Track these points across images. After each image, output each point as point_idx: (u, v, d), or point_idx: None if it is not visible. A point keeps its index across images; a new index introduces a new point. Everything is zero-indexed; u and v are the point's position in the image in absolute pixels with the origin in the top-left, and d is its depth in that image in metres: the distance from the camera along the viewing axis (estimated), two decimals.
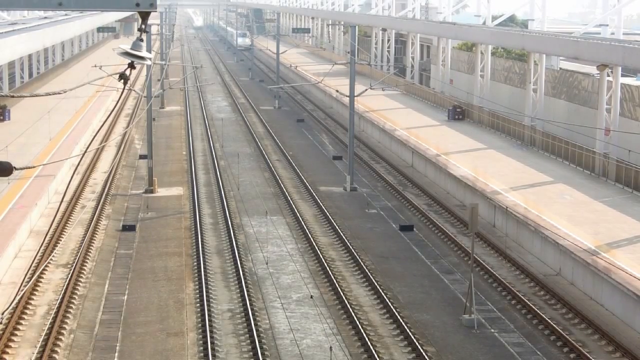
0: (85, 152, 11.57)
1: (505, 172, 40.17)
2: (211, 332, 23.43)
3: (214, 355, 22.04)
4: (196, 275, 28.31)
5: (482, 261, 29.66)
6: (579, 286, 27.63)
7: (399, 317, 24.63)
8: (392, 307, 25.39)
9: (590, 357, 22.22)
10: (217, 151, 50.43)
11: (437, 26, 68.19)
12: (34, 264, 28.22)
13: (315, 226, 34.66)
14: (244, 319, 24.54)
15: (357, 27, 51.93)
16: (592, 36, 51.84)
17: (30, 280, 25.58)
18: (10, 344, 22.49)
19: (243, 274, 27.99)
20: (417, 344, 22.73)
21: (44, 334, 22.94)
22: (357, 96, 42.15)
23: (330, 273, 28.25)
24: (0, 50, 43.06)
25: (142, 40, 8.34)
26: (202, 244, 31.29)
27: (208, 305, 25.25)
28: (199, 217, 35.14)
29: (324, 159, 49.47)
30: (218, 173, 43.73)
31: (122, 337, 23.45)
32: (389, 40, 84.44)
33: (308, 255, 30.81)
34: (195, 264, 29.50)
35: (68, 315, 24.62)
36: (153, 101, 45.40)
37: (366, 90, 44.74)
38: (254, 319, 24.17)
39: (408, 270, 29.68)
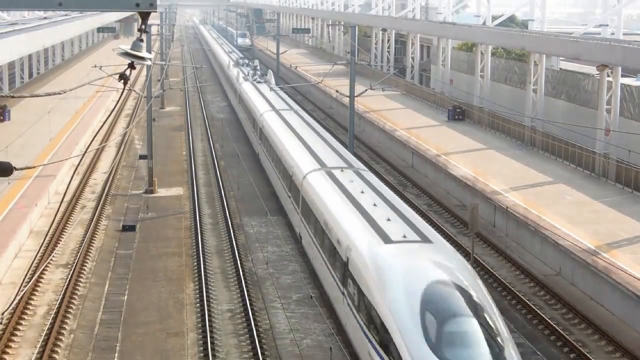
0: (86, 152, 11.56)
1: (505, 173, 40.17)
2: (211, 332, 23.43)
3: (214, 356, 22.04)
4: (196, 275, 28.32)
5: (482, 261, 29.66)
6: (579, 286, 27.63)
7: None
8: None
9: (590, 357, 22.22)
10: (217, 151, 50.43)
11: (437, 26, 68.20)
12: (34, 264, 28.22)
13: None
14: (244, 319, 24.54)
15: (357, 27, 51.93)
16: (592, 36, 51.84)
17: (30, 281, 25.60)
18: (10, 344, 22.49)
19: (243, 274, 27.99)
20: None
21: (44, 334, 22.93)
22: (357, 96, 42.14)
23: None
24: (0, 50, 43.06)
25: (142, 40, 8.35)
26: (202, 244, 31.29)
27: (208, 306, 25.25)
28: (199, 217, 35.15)
29: None
30: (218, 173, 43.73)
31: (122, 337, 23.45)
32: (389, 41, 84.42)
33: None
34: (195, 264, 29.49)
35: (68, 315, 24.61)
36: (153, 101, 45.42)
37: (366, 90, 44.76)
38: (254, 319, 24.17)
39: None
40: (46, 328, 23.27)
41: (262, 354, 21.98)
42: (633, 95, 42.78)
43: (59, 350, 22.28)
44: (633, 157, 38.75)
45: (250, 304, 25.27)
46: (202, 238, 32.17)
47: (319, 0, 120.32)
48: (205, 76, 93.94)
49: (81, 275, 28.02)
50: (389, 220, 21.57)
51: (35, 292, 26.31)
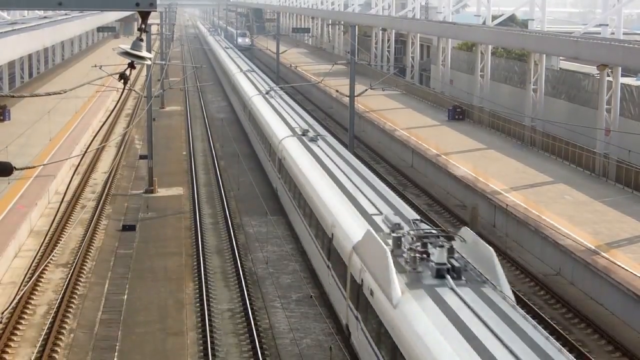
0: (86, 152, 11.56)
1: (506, 172, 40.17)
2: (211, 331, 23.43)
3: (213, 355, 22.04)
4: (196, 275, 28.32)
5: None
6: (579, 286, 27.63)
7: None
8: None
9: (590, 357, 22.22)
10: (217, 151, 50.43)
11: (437, 26, 68.18)
12: (34, 264, 28.22)
13: None
14: (243, 318, 24.54)
15: (357, 26, 51.92)
16: (592, 36, 51.85)
17: (30, 280, 25.59)
18: (10, 343, 22.49)
19: (243, 274, 27.99)
20: None
21: (43, 333, 22.94)
22: (357, 96, 42.15)
23: None
24: (0, 50, 43.07)
25: (142, 40, 8.35)
26: (202, 244, 31.29)
27: (208, 305, 25.25)
28: (199, 217, 35.15)
29: None
30: (218, 173, 43.73)
31: (122, 337, 23.45)
32: (389, 40, 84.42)
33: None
34: (195, 263, 29.50)
35: (68, 314, 24.62)
36: (153, 101, 45.41)
37: (366, 90, 44.77)
38: (254, 319, 24.17)
39: None
40: (46, 327, 23.28)
41: (262, 353, 21.98)
42: (633, 95, 42.78)
43: (59, 350, 22.29)
44: (633, 157, 38.75)
45: (250, 304, 25.28)
46: (202, 238, 32.17)
47: (319, 0, 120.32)
48: (206, 76, 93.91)
49: (81, 274, 28.03)
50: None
51: (35, 292, 26.32)
